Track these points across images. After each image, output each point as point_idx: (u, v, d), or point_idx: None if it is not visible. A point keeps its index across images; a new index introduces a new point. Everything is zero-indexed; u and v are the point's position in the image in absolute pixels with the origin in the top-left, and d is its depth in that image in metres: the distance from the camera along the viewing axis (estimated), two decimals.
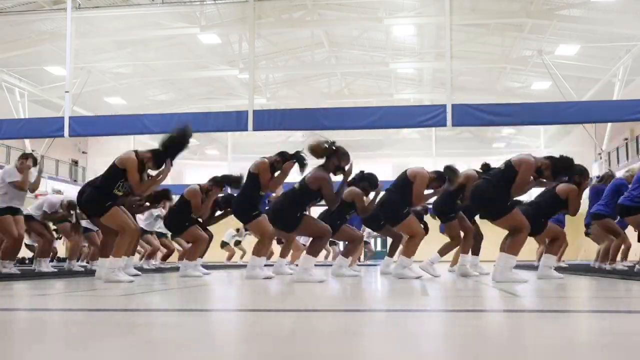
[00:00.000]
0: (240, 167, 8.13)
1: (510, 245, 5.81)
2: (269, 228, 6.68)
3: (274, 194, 8.34)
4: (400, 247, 7.93)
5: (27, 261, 17.79)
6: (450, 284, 5.66)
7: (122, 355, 1.69)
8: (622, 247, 8.56)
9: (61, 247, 14.27)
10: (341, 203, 6.88)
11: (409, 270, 6.69)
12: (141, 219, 10.42)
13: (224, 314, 3.13)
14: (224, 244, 20.13)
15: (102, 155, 23.59)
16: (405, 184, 6.86)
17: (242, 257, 20.21)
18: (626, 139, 23.91)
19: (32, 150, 10.29)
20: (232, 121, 14.74)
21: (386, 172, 20.18)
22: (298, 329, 2.32)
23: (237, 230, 19.50)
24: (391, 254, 8.66)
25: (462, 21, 17.46)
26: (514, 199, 5.97)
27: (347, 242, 8.05)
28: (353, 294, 4.58)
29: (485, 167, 6.67)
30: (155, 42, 21.09)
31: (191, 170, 28.65)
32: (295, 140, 31.03)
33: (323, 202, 6.23)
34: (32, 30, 19.14)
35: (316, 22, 20.20)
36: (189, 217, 7.98)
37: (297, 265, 11.93)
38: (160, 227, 11.10)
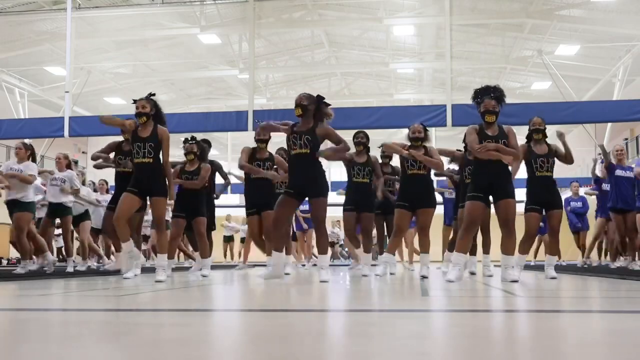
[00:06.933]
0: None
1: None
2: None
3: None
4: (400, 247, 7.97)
5: None
6: (450, 284, 5.65)
7: (123, 356, 1.69)
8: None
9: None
10: None
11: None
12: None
13: (224, 315, 3.13)
14: (228, 239, 20.09)
15: None
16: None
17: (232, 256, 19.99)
18: (626, 139, 23.88)
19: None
20: (232, 121, 14.72)
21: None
22: (298, 329, 2.32)
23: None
24: (383, 249, 8.45)
25: (462, 21, 17.44)
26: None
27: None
28: (354, 293, 4.57)
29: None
30: (155, 42, 21.07)
31: None
32: None
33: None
34: (32, 30, 19.11)
35: (316, 22, 20.18)
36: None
37: (303, 265, 11.93)
38: None
